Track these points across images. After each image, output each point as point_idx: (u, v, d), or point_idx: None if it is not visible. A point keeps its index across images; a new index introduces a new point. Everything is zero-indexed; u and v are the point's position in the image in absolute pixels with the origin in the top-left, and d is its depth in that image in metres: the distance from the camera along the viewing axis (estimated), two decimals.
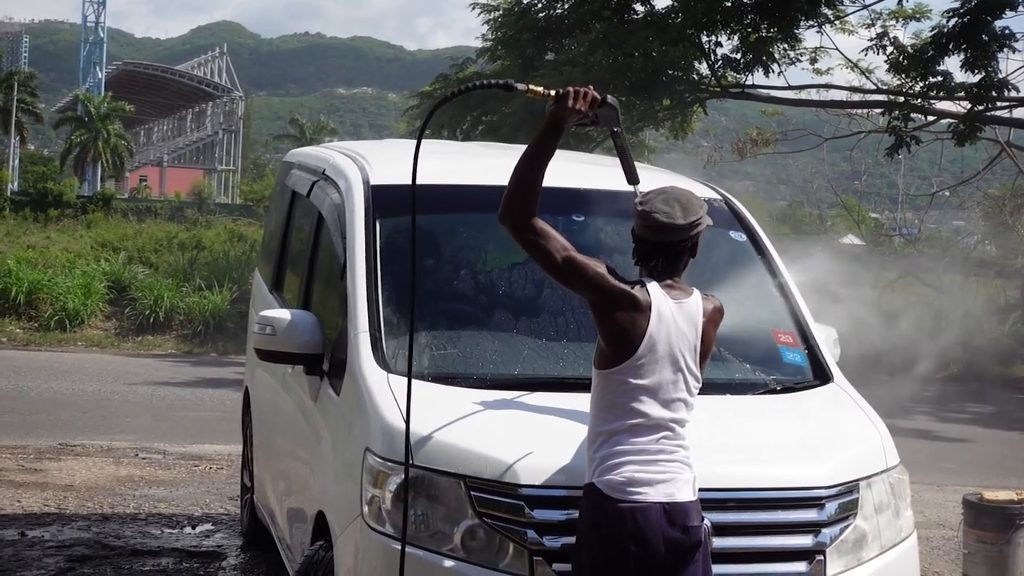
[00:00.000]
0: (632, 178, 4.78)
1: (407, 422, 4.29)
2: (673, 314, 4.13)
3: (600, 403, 4.13)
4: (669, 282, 4.18)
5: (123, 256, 26.79)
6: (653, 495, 4.02)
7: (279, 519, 6.51)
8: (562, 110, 4.20)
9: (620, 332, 4.07)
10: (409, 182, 5.78)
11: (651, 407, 4.08)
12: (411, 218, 4.45)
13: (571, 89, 4.22)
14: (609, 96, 4.37)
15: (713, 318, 4.29)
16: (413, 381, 4.73)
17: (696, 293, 4.24)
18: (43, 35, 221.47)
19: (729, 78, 20.87)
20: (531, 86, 4.40)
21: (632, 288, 4.10)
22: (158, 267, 26.53)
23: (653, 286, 4.14)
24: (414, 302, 4.49)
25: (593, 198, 5.73)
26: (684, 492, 4.08)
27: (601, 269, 4.10)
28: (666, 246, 4.17)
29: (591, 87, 4.28)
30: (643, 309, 4.09)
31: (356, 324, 4.99)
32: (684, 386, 4.16)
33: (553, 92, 4.27)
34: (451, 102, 4.97)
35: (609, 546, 4.00)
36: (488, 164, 6.50)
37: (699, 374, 4.21)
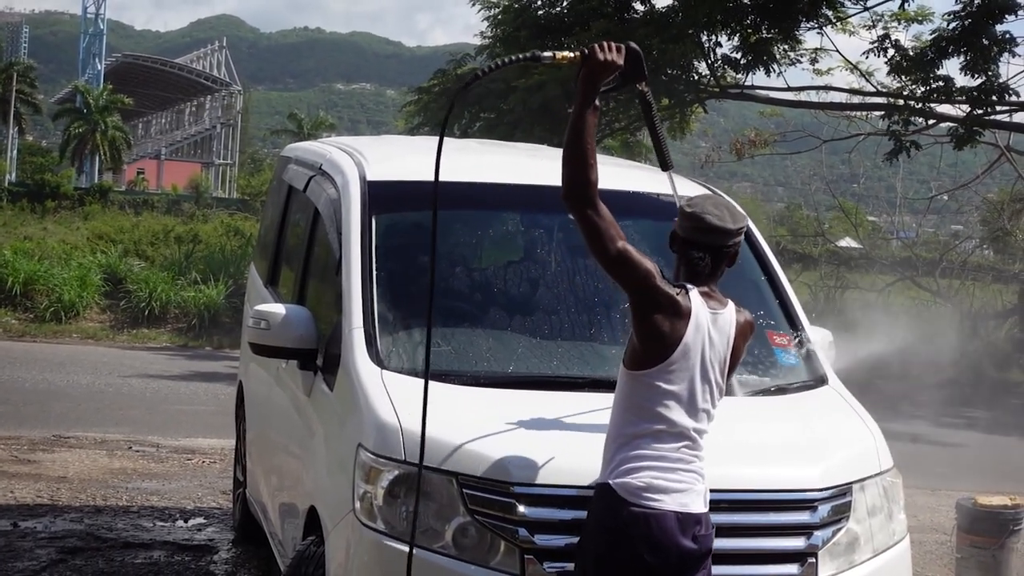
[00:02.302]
0: (664, 161, 4.72)
1: (423, 422, 4.21)
2: (709, 325, 4.13)
3: (625, 404, 4.10)
4: (707, 290, 4.17)
5: (119, 248, 26.75)
6: (668, 503, 4.01)
7: (271, 514, 6.50)
8: (594, 66, 4.13)
9: (657, 334, 4.04)
10: (407, 178, 5.82)
11: (677, 414, 4.07)
12: (432, 212, 4.38)
13: (595, 45, 4.15)
14: (630, 42, 4.27)
15: (744, 332, 4.30)
16: (407, 377, 4.75)
17: (731, 305, 4.25)
18: (43, 26, 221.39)
19: (728, 78, 20.85)
20: (556, 53, 4.30)
21: (676, 293, 4.08)
22: (154, 260, 26.51)
23: (694, 293, 4.12)
24: (431, 297, 4.41)
25: None
26: (697, 503, 4.07)
27: (652, 268, 4.05)
28: (714, 249, 4.18)
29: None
30: (683, 315, 4.07)
31: (351, 320, 4.98)
32: (709, 397, 4.15)
33: (578, 53, 4.19)
34: (462, 94, 4.89)
35: (619, 550, 3.98)
36: (485, 161, 6.50)
37: (724, 386, 4.22)
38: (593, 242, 4.06)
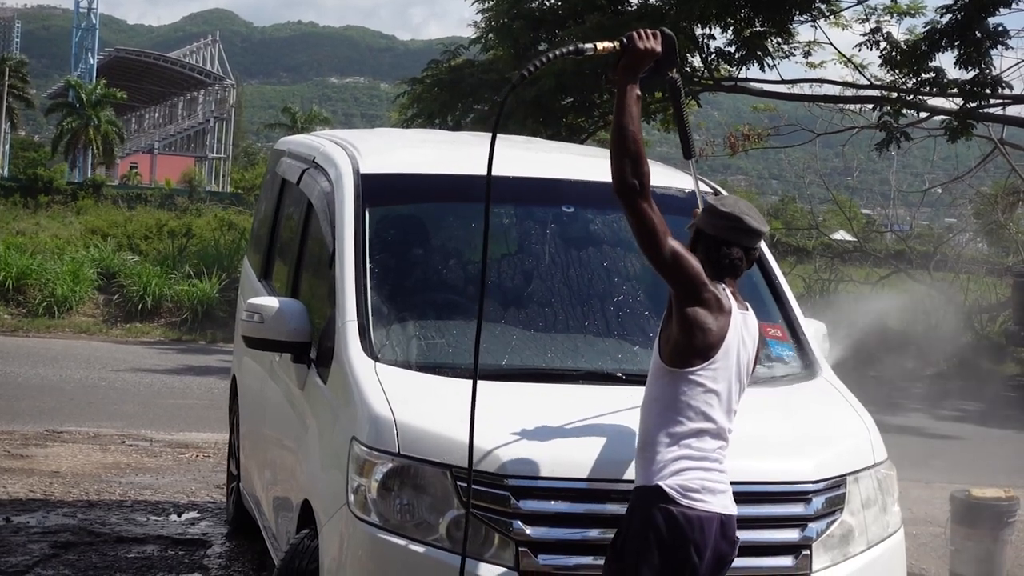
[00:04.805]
0: (688, 150, 4.66)
1: (471, 423, 4.16)
2: (741, 324, 4.12)
3: (667, 403, 4.04)
4: (734, 290, 4.16)
5: (113, 243, 26.66)
6: (715, 505, 4.00)
7: (265, 507, 6.50)
8: (634, 54, 4.07)
9: (703, 331, 4.00)
10: (400, 171, 5.81)
11: (718, 414, 4.05)
12: (485, 209, 4.31)
13: (633, 33, 4.09)
14: (664, 28, 4.19)
15: (760, 335, 4.31)
16: (400, 370, 4.74)
17: (751, 309, 4.24)
18: (35, 20, 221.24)
19: (722, 71, 20.84)
20: (597, 44, 4.20)
21: (718, 290, 4.05)
22: (147, 254, 26.40)
23: (728, 292, 4.10)
24: (483, 294, 4.35)
25: (583, 189, 5.70)
26: (733, 505, 4.08)
27: (699, 265, 4.02)
28: (745, 250, 4.16)
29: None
30: (726, 312, 4.05)
31: (344, 313, 4.97)
32: (738, 397, 4.15)
33: (618, 42, 4.13)
34: (511, 93, 4.76)
35: (670, 551, 3.95)
36: (478, 154, 6.48)
37: (746, 387, 4.22)
38: (646, 239, 3.99)
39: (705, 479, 4.00)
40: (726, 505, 4.05)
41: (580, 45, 4.22)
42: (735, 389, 4.12)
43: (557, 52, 4.27)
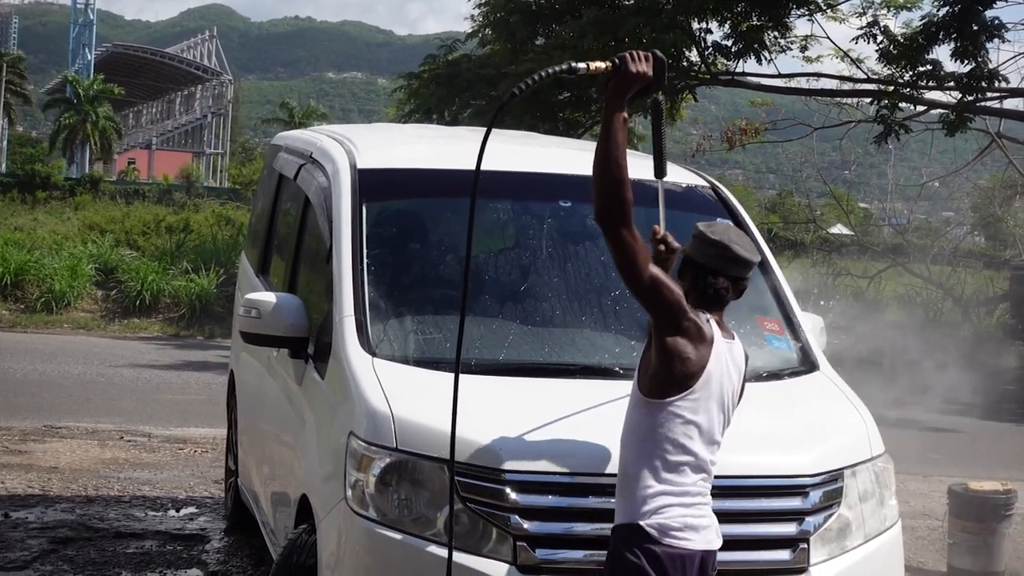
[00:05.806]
0: (660, 169, 4.64)
1: (454, 415, 4.11)
2: (725, 355, 4.06)
3: (643, 434, 3.98)
4: (719, 319, 4.11)
5: (110, 238, 26.64)
6: (698, 542, 3.96)
7: (263, 502, 6.50)
8: (626, 76, 4.02)
9: (682, 361, 3.93)
10: (397, 166, 5.82)
11: (698, 446, 3.98)
12: (471, 203, 4.26)
13: (626, 55, 4.04)
14: (656, 51, 4.16)
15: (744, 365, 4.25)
16: (397, 364, 4.74)
17: (737, 338, 4.18)
18: (33, 16, 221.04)
19: (719, 65, 20.82)
20: (590, 64, 4.15)
21: (700, 319, 3.99)
22: (145, 250, 26.40)
23: (713, 322, 4.04)
24: (466, 289, 4.31)
25: (580, 184, 5.69)
26: (716, 539, 4.04)
27: (680, 293, 3.95)
28: (733, 280, 4.10)
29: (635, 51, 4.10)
30: (707, 342, 3.98)
31: (341, 308, 4.97)
32: (721, 429, 4.08)
33: (610, 63, 4.09)
34: (502, 112, 4.72)
35: None
36: (475, 149, 6.47)
37: (731, 419, 4.16)
38: (626, 266, 3.93)
39: (687, 515, 3.94)
40: (709, 540, 4.00)
41: (573, 64, 4.18)
42: (718, 420, 4.04)
43: (550, 70, 4.22)
